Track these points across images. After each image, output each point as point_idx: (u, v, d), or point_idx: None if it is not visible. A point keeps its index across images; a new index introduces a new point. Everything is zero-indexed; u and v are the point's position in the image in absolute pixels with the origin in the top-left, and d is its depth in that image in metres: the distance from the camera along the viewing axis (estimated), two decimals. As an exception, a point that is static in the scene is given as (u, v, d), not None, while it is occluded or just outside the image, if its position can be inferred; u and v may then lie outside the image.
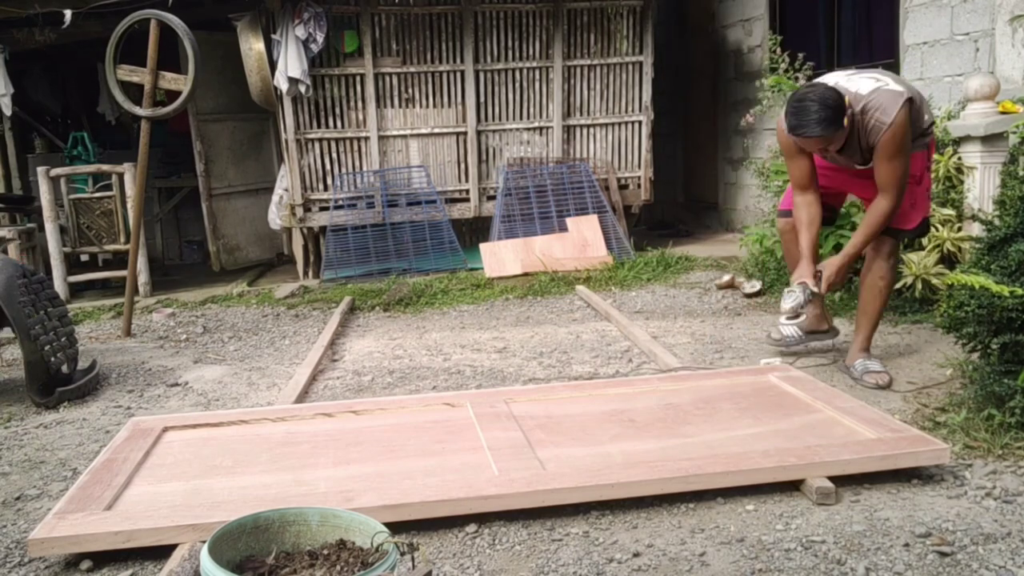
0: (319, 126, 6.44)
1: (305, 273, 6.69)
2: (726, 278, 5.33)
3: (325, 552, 1.66)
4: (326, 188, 6.51)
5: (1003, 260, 2.73)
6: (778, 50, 5.56)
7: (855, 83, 3.18)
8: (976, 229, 3.66)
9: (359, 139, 6.53)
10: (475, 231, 6.86)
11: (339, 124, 6.48)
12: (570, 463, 2.41)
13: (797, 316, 3.37)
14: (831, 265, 3.31)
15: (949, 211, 4.14)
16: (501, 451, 2.49)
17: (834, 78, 3.27)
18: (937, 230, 4.08)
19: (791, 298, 3.31)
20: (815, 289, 3.28)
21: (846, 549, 2.04)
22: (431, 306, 5.33)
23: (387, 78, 6.47)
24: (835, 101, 3.02)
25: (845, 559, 1.99)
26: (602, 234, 6.30)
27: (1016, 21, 4.30)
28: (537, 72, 6.67)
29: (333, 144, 6.49)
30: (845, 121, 3.04)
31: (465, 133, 6.64)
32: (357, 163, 6.56)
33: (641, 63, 6.79)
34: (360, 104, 6.47)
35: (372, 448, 2.61)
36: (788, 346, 3.67)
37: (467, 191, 6.73)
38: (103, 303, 5.79)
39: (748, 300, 4.98)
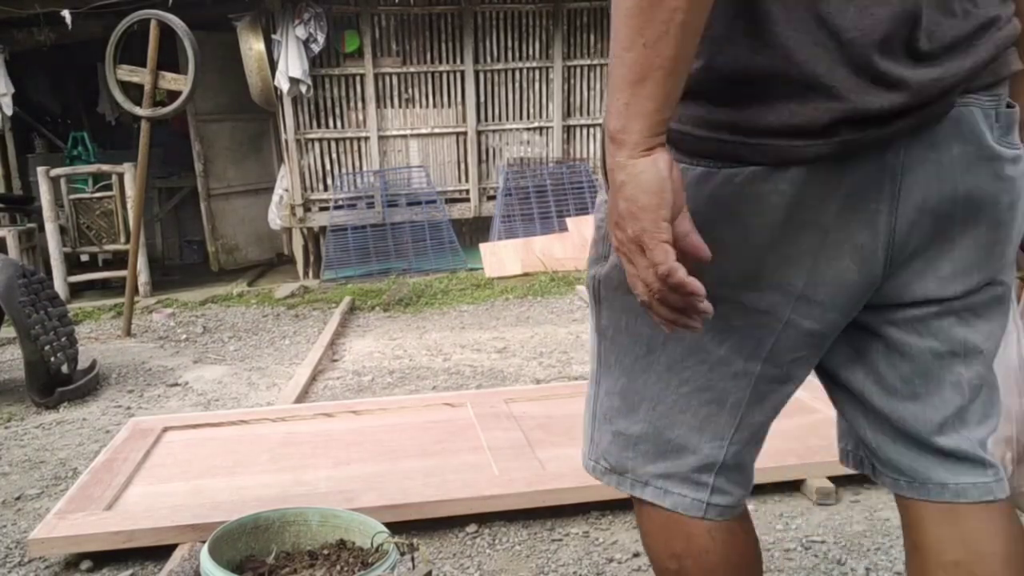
0: (319, 126, 6.44)
1: (305, 273, 6.69)
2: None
3: (325, 552, 1.65)
4: (326, 188, 6.51)
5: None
6: None
7: None
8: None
9: (359, 139, 6.53)
10: (475, 231, 6.86)
11: (339, 124, 6.48)
12: (570, 463, 2.41)
13: None
14: None
15: None
16: (501, 451, 2.49)
17: None
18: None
19: None
20: None
21: (846, 549, 2.04)
22: (431, 306, 5.33)
23: (387, 78, 6.47)
24: None
25: (845, 559, 1.99)
26: (602, 234, 6.30)
27: None
28: (537, 72, 6.67)
29: (333, 144, 6.49)
30: None
31: (465, 133, 6.64)
32: (357, 163, 6.56)
33: (641, 63, 6.78)
34: (360, 104, 6.47)
35: (372, 448, 2.61)
36: None
37: (467, 191, 6.73)
38: (103, 303, 5.79)
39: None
